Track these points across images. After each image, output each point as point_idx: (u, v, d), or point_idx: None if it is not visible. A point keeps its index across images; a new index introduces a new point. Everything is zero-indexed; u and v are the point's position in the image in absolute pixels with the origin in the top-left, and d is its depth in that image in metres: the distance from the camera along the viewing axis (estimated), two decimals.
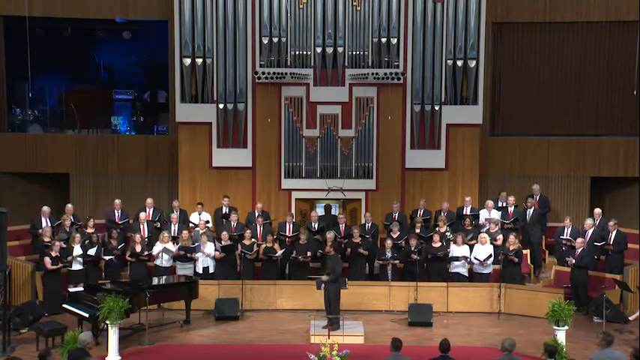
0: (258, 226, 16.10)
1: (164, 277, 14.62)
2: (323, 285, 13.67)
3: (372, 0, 17.21)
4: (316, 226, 16.44)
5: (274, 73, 17.05)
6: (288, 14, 17.20)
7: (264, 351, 12.92)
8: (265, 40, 17.22)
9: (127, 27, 20.22)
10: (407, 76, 17.28)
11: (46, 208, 16.11)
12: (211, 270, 15.35)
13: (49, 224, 15.79)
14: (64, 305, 13.53)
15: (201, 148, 17.69)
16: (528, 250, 16.46)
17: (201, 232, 15.77)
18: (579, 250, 14.79)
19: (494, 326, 14.26)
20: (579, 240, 15.01)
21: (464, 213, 16.63)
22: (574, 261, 14.68)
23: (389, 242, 15.34)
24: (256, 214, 16.49)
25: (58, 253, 14.57)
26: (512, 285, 14.90)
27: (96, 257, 15.07)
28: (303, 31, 17.30)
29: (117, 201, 16.78)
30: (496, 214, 16.54)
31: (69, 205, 16.62)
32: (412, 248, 15.21)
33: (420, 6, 17.29)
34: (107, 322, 12.28)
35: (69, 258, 14.70)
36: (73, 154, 18.54)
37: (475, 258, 15.08)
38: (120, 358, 12.38)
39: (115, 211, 16.60)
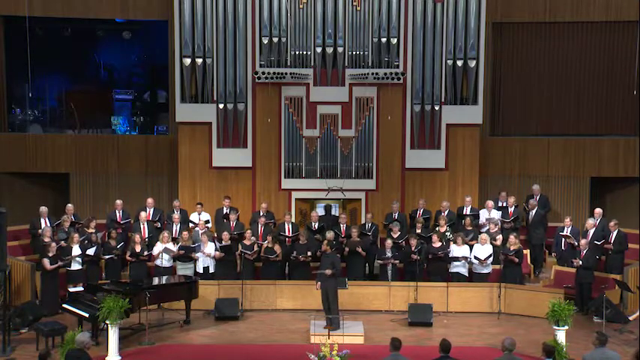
0: (259, 226, 16.10)
1: (164, 277, 14.63)
2: (319, 284, 13.68)
3: (372, 0, 17.21)
4: (316, 225, 16.45)
5: (274, 73, 17.05)
6: (288, 14, 17.20)
7: (264, 351, 12.92)
8: (265, 40, 17.23)
9: (127, 27, 20.22)
10: (407, 76, 17.28)
11: (43, 209, 16.09)
12: (211, 270, 15.36)
13: (49, 224, 15.79)
14: (64, 305, 13.52)
15: (201, 148, 17.70)
16: (528, 250, 16.46)
17: (201, 232, 15.78)
18: (585, 252, 14.76)
19: (494, 326, 14.26)
20: (584, 241, 14.97)
21: (464, 213, 16.64)
22: (581, 262, 14.66)
23: (389, 242, 15.35)
24: (260, 214, 16.49)
25: (55, 253, 14.56)
26: (512, 285, 14.90)
27: (95, 257, 15.07)
28: (303, 31, 17.30)
29: (118, 201, 16.76)
30: (496, 214, 16.54)
31: (69, 205, 16.61)
32: (412, 248, 15.21)
33: (420, 6, 17.29)
34: (107, 322, 12.28)
35: (67, 258, 14.70)
36: (73, 154, 18.53)
37: (475, 257, 15.08)
38: (120, 358, 12.38)
39: (117, 211, 16.60)
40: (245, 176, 17.73)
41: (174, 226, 16.15)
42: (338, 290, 13.69)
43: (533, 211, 16.83)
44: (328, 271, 13.57)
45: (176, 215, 16.35)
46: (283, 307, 15.05)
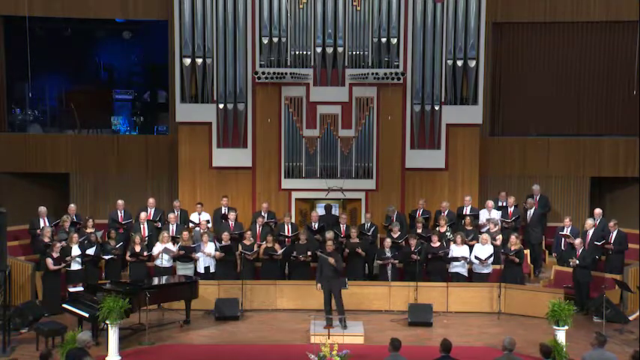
0: (257, 226, 16.10)
1: (164, 277, 14.62)
2: (319, 285, 13.69)
3: (372, 0, 17.21)
4: (316, 225, 16.45)
5: (274, 73, 17.05)
6: (288, 14, 17.20)
7: (264, 351, 12.92)
8: (265, 40, 17.22)
9: (127, 27, 20.24)
10: (407, 76, 17.28)
11: (42, 209, 16.10)
12: (212, 270, 15.36)
13: (48, 224, 15.79)
14: (64, 305, 13.52)
15: (201, 148, 17.69)
16: (528, 250, 16.47)
17: (201, 232, 15.78)
18: (580, 251, 14.79)
19: (494, 326, 14.26)
20: (578, 240, 15.01)
21: (464, 213, 16.64)
22: (577, 262, 14.67)
23: (388, 241, 15.36)
24: (261, 214, 16.49)
25: (59, 254, 14.57)
26: (512, 285, 14.89)
27: (95, 257, 15.07)
28: (303, 31, 17.30)
29: (120, 201, 16.75)
30: (496, 214, 16.54)
31: (72, 205, 16.62)
32: (412, 248, 15.21)
33: (420, 6, 17.29)
34: (107, 322, 12.28)
35: (67, 258, 14.70)
36: (73, 154, 18.53)
37: (476, 257, 15.08)
38: (120, 358, 12.38)
39: (118, 211, 16.60)
40: (245, 176, 17.73)
41: (171, 225, 16.12)
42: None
43: (532, 210, 16.84)
44: (331, 259, 13.58)
45: (172, 215, 16.33)
46: (283, 307, 15.05)
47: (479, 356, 12.46)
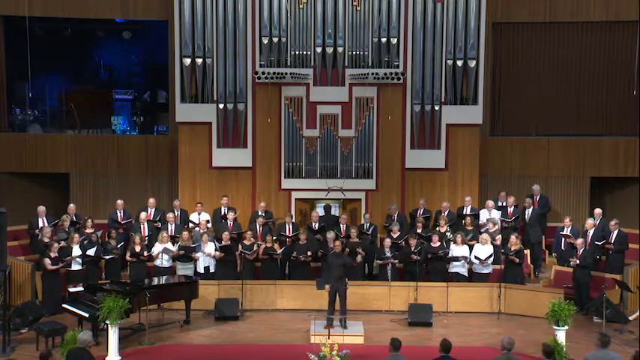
0: (257, 226, 16.11)
1: (164, 277, 14.62)
2: (327, 286, 13.66)
3: (372, 0, 17.22)
4: (317, 225, 16.45)
5: (274, 73, 17.05)
6: (288, 14, 17.20)
7: (264, 351, 12.92)
8: (265, 40, 17.23)
9: (127, 27, 20.25)
10: (407, 76, 17.28)
11: (41, 208, 16.09)
12: (212, 270, 15.36)
13: (46, 223, 15.77)
14: (64, 305, 13.52)
15: (201, 148, 17.69)
16: (528, 250, 16.47)
17: (201, 232, 15.78)
18: (581, 251, 14.80)
19: (494, 326, 14.26)
20: (579, 240, 15.02)
21: (464, 213, 16.64)
22: (578, 261, 14.68)
23: (387, 241, 15.36)
24: (259, 213, 16.50)
25: (57, 254, 14.56)
26: (512, 285, 14.89)
27: (95, 257, 15.07)
28: (303, 31, 17.30)
29: (119, 201, 16.75)
30: (496, 214, 16.54)
31: (71, 205, 16.62)
32: (412, 248, 15.21)
33: (420, 6, 17.30)
34: (107, 322, 12.28)
35: (67, 259, 14.69)
36: (73, 154, 18.54)
37: (476, 257, 15.08)
38: (120, 358, 12.38)
39: (118, 211, 16.60)
40: (245, 176, 17.73)
41: (169, 225, 16.12)
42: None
43: (529, 210, 16.84)
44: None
45: (171, 215, 16.32)
46: (283, 307, 15.05)
47: (479, 356, 12.46)
